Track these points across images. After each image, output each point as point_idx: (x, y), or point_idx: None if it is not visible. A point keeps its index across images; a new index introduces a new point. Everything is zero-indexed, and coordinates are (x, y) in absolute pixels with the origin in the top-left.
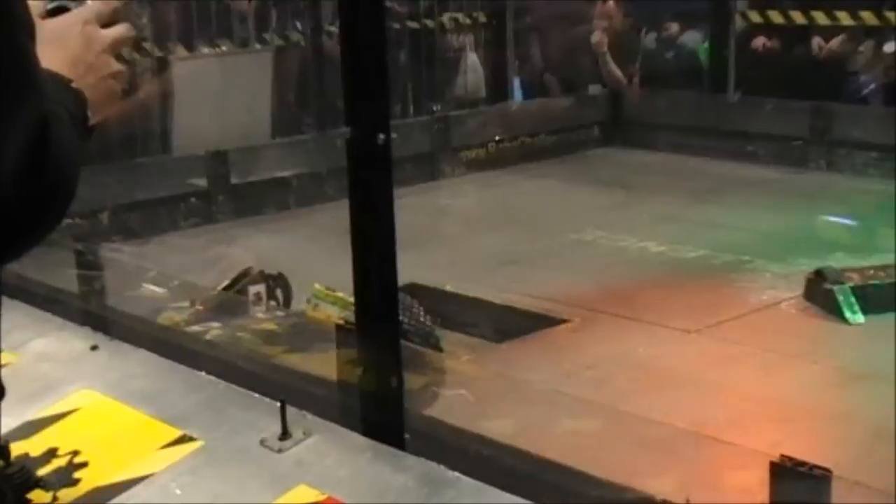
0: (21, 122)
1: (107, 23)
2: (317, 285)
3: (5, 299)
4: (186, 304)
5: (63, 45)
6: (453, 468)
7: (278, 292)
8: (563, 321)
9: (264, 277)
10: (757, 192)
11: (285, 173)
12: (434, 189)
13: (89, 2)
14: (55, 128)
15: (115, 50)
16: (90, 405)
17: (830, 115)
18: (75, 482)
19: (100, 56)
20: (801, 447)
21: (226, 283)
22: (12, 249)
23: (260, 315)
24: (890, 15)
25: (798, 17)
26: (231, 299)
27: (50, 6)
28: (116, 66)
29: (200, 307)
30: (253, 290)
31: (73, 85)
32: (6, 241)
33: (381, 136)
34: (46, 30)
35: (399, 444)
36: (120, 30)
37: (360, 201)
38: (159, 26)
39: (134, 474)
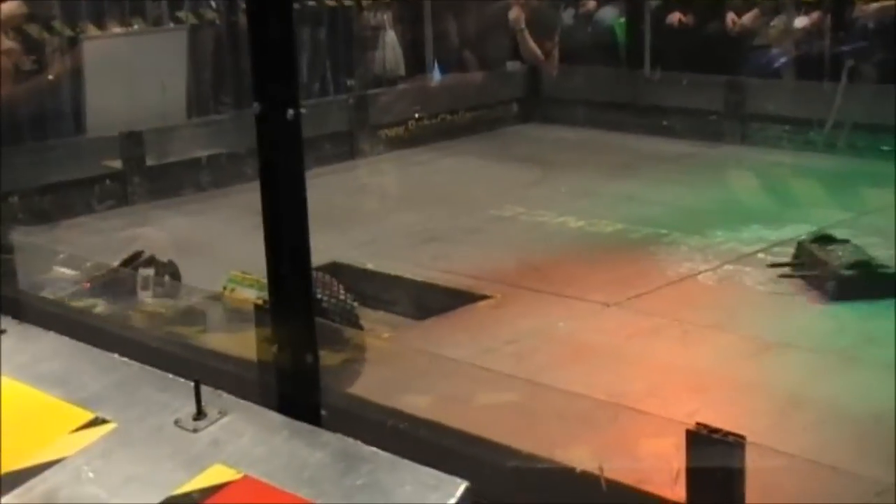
0: None
1: None
2: (233, 271)
3: None
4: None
5: None
6: (370, 443)
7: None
8: (484, 297)
9: (154, 263)
10: (673, 166)
11: (202, 153)
12: (353, 168)
13: None
14: None
15: (5, 27)
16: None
17: (744, 89)
18: None
19: None
20: (717, 415)
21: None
22: None
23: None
24: None
25: None
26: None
27: None
28: (7, 44)
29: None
30: (143, 273)
31: None
32: None
33: (291, 112)
34: None
35: (315, 420)
36: (10, 6)
37: (271, 178)
38: (69, 4)
39: (45, 458)
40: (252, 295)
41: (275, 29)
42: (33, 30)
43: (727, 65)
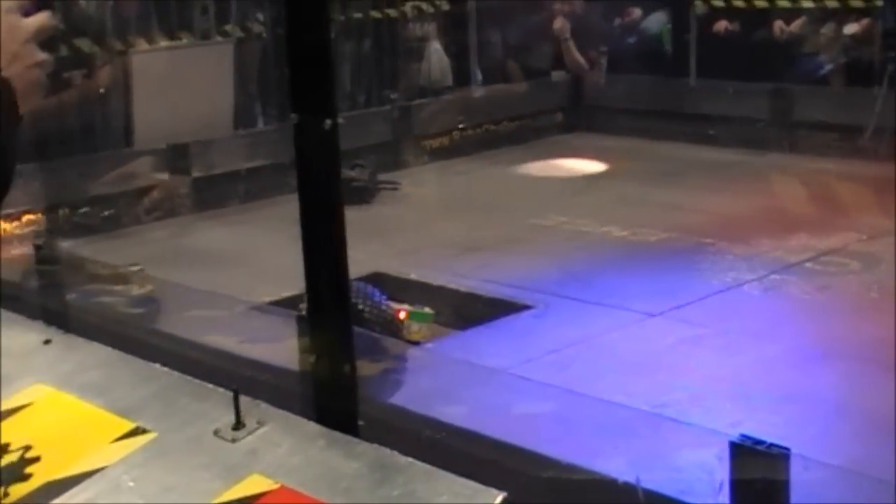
0: None
1: (27, 12)
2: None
3: None
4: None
5: None
6: (408, 454)
7: None
8: (526, 307)
9: None
10: (719, 174)
11: (248, 165)
12: (397, 178)
13: None
14: None
15: (38, 38)
16: (43, 399)
17: (791, 96)
18: (27, 477)
19: (24, 45)
20: (762, 425)
21: None
22: None
23: None
24: None
25: (759, 1)
26: None
27: None
28: (41, 56)
29: None
30: None
31: (1, 74)
32: None
33: (328, 122)
34: None
35: (353, 430)
36: (41, 18)
37: (309, 187)
38: (119, 19)
39: (86, 468)
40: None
41: (312, 39)
42: (84, 44)
43: (775, 72)
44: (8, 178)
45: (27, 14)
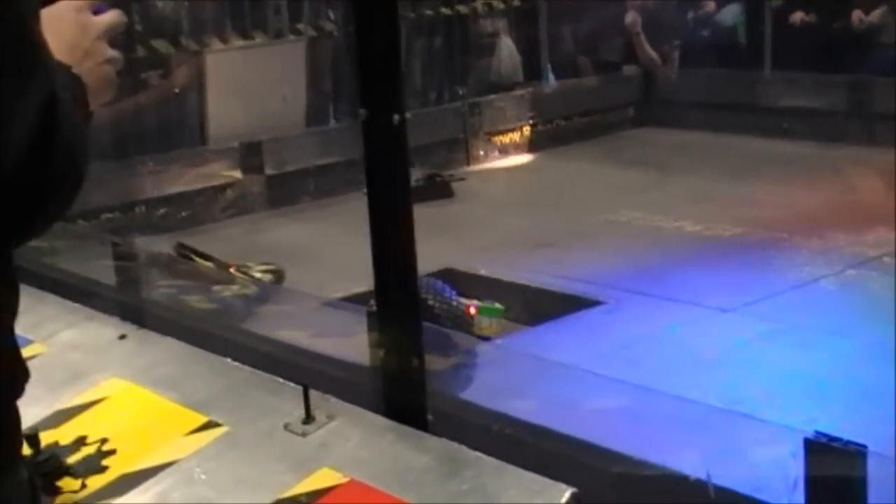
0: (32, 93)
1: (98, 10)
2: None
3: (36, 291)
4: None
5: (59, 32)
6: (477, 448)
7: None
8: (598, 302)
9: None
10: (794, 168)
11: (320, 162)
12: (468, 174)
13: None
14: (63, 107)
15: (108, 35)
16: (118, 393)
17: (870, 88)
18: (103, 469)
19: (95, 42)
20: (838, 423)
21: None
22: (21, 233)
23: None
24: None
25: None
26: None
27: None
28: (111, 52)
29: None
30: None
31: (73, 71)
32: (15, 225)
33: (397, 117)
34: (41, 17)
35: (422, 425)
36: (112, 16)
37: (377, 183)
38: (194, 20)
39: (160, 460)
40: None
41: (380, 35)
42: (160, 45)
43: (853, 63)
44: (81, 173)
45: (98, 12)
